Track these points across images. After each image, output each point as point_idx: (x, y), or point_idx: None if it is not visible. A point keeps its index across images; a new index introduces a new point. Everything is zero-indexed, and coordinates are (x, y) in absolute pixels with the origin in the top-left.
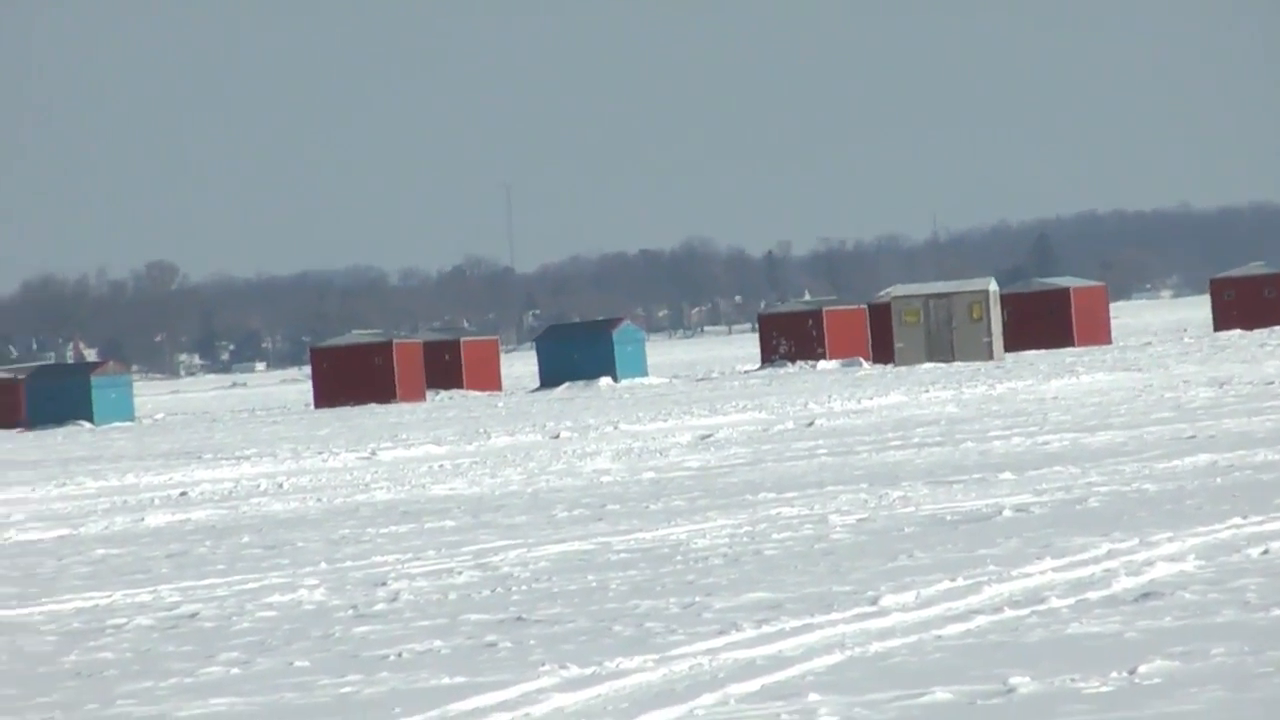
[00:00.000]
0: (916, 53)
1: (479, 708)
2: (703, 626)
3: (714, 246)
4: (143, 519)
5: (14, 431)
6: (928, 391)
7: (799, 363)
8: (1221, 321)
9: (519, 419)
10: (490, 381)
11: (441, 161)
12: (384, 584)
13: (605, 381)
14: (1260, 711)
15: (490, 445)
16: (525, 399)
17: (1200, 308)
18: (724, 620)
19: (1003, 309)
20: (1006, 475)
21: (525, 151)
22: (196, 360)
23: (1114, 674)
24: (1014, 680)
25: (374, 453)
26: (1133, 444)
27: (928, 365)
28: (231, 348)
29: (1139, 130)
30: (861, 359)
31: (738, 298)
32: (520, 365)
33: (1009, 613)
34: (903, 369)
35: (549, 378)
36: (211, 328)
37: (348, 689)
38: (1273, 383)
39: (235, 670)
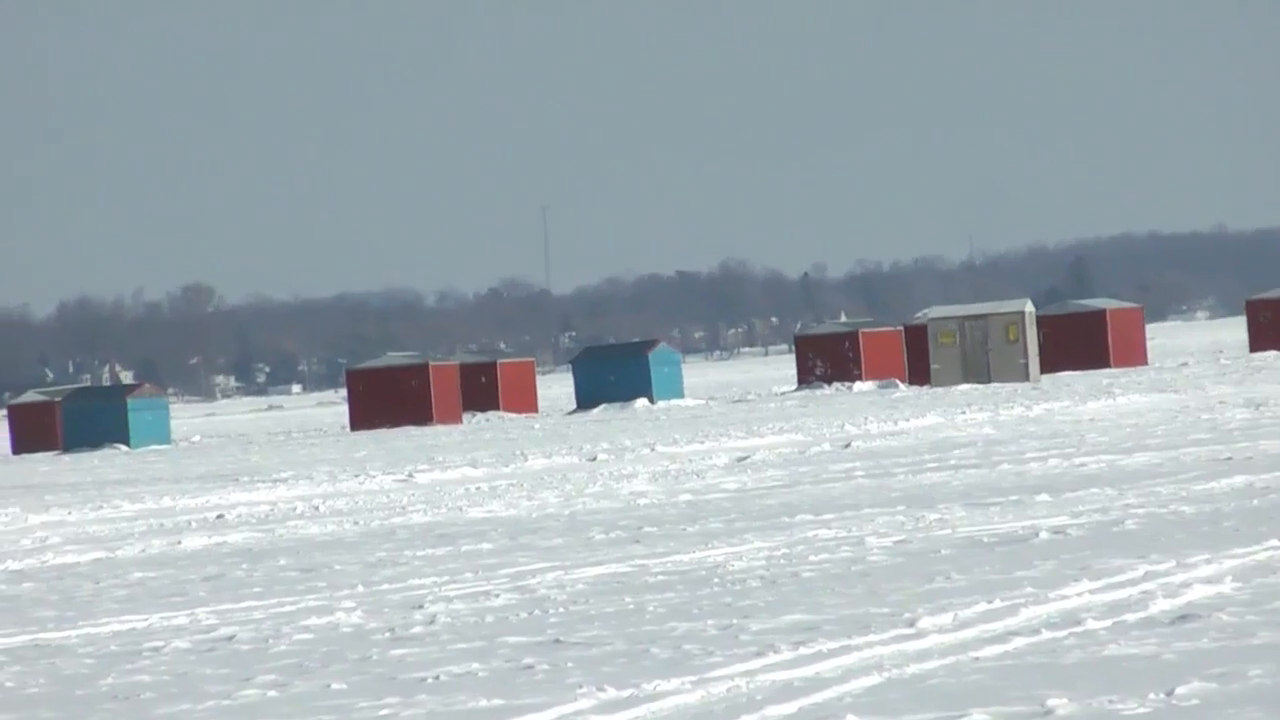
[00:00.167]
0: (953, 75)
1: None
2: (740, 648)
3: (750, 268)
4: (179, 542)
5: (50, 454)
6: (964, 413)
7: (835, 384)
8: (1257, 343)
9: (555, 441)
10: (527, 403)
11: (478, 184)
12: (421, 606)
13: (642, 403)
14: None
15: (527, 467)
16: (562, 421)
17: (1236, 329)
18: (761, 642)
19: (1039, 330)
20: (1043, 497)
21: (562, 173)
22: (232, 383)
23: (1151, 695)
24: (1052, 702)
25: (410, 475)
26: (1169, 465)
27: (964, 387)
28: (268, 370)
29: (1175, 152)
30: (898, 380)
31: (774, 319)
32: (557, 387)
33: (1046, 634)
34: (939, 390)
35: (585, 399)
36: (248, 350)
37: (385, 711)
38: None
39: (272, 693)
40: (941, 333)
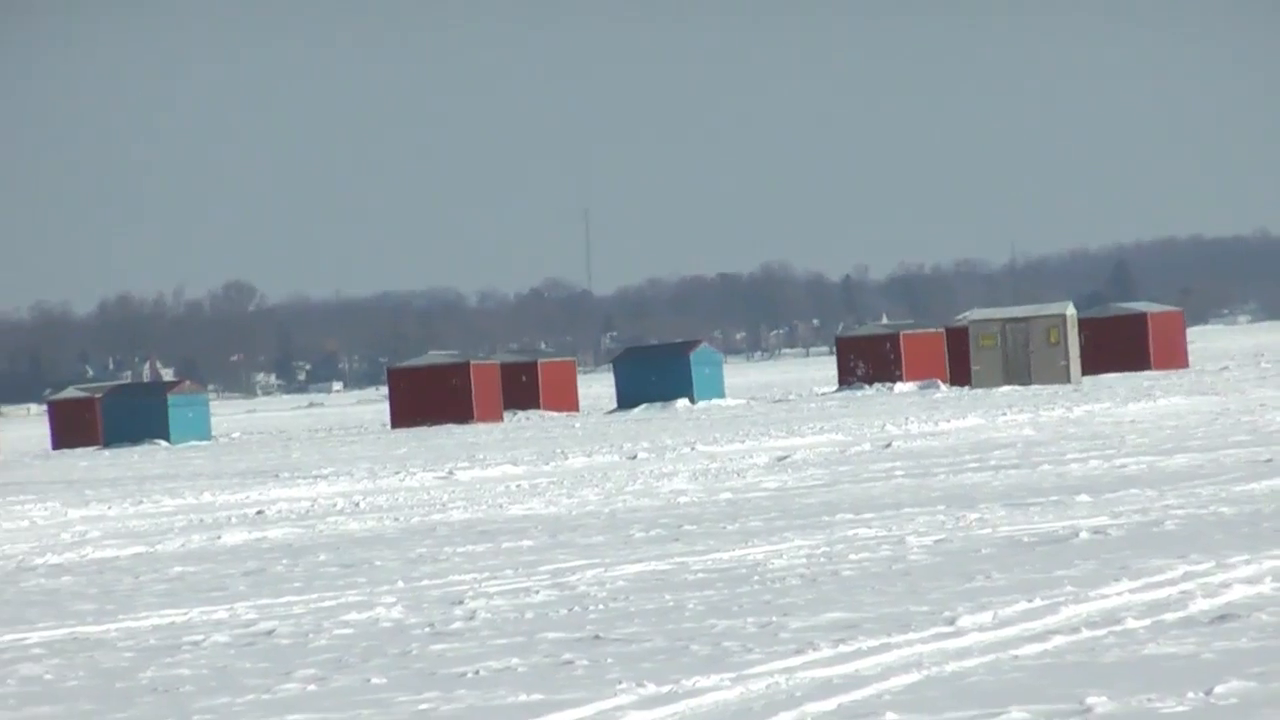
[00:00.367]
0: (996, 79)
1: None
2: (780, 646)
3: (792, 270)
4: (220, 537)
5: (91, 449)
6: (1005, 414)
7: (876, 385)
8: None
9: (596, 440)
10: (568, 402)
11: (521, 185)
12: (461, 602)
13: (682, 403)
14: None
15: (567, 466)
16: (602, 420)
17: (1278, 333)
18: (801, 640)
19: (1080, 333)
20: (1083, 498)
21: (604, 175)
22: (273, 380)
23: (1190, 694)
24: (1091, 700)
25: (451, 473)
26: (1209, 467)
27: (1005, 388)
28: (308, 368)
29: (1218, 157)
30: (939, 381)
31: (815, 321)
32: (598, 386)
33: (1086, 633)
34: (980, 392)
35: (626, 399)
36: (289, 348)
37: (425, 706)
38: None
39: (312, 687)
40: (983, 335)
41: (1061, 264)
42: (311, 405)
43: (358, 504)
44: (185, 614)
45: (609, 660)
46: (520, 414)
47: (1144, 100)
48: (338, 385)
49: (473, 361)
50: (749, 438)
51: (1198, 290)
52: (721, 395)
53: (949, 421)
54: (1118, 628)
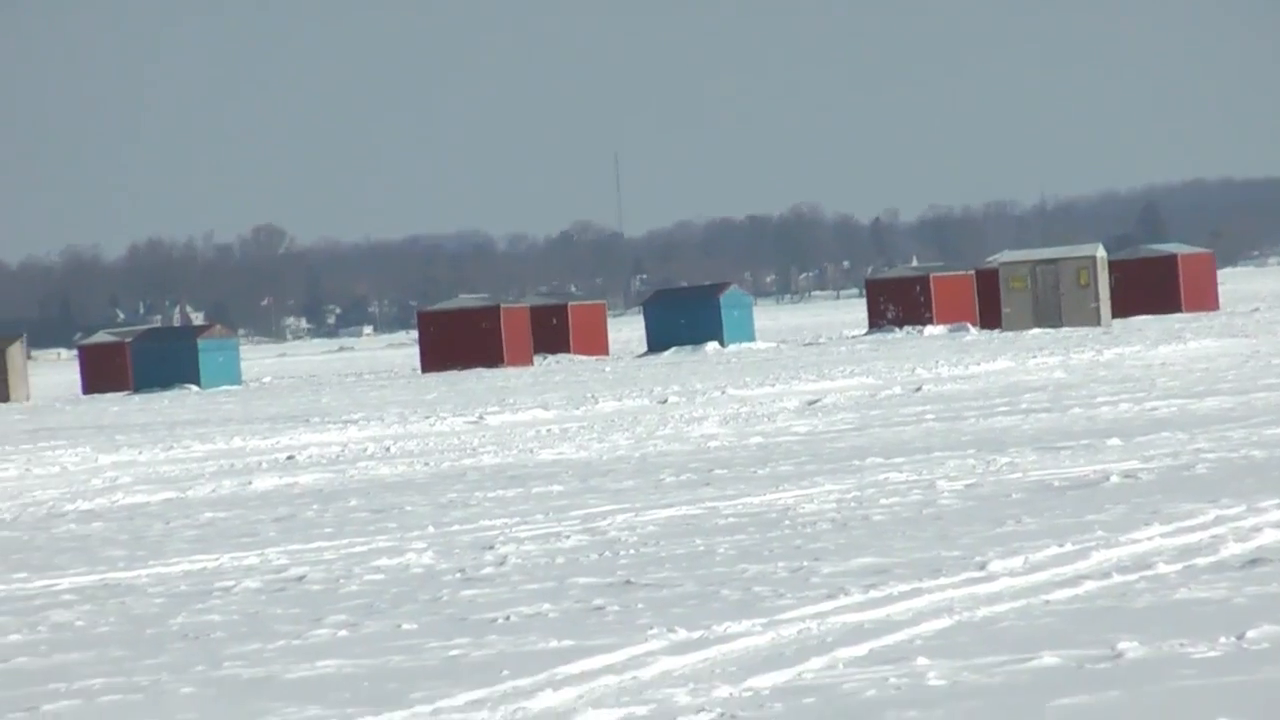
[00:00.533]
0: (1023, 19)
1: (587, 671)
2: (811, 591)
3: (821, 212)
4: (250, 482)
5: (121, 394)
6: (1035, 357)
7: (906, 328)
8: None
9: (626, 384)
10: (598, 346)
11: (550, 127)
12: (492, 548)
13: (712, 346)
14: None
15: (597, 410)
16: (632, 364)
17: None
18: (832, 585)
19: (1110, 275)
20: (1114, 441)
21: (634, 117)
22: (303, 324)
23: (1222, 639)
24: (1122, 645)
25: (481, 417)
26: (1241, 410)
27: (1035, 331)
28: (338, 312)
29: (1248, 98)
30: (969, 324)
31: (845, 263)
32: (627, 330)
33: (1117, 578)
34: (1010, 335)
35: (656, 342)
36: (318, 292)
37: (456, 652)
38: None
39: (343, 633)
40: (1013, 277)
41: (1091, 206)
42: (341, 349)
43: (388, 449)
44: (216, 560)
45: (640, 605)
46: (550, 358)
47: (1174, 40)
48: (368, 329)
49: (503, 305)
50: (779, 381)
51: (1228, 232)
52: (751, 338)
53: (979, 365)
54: (1149, 572)
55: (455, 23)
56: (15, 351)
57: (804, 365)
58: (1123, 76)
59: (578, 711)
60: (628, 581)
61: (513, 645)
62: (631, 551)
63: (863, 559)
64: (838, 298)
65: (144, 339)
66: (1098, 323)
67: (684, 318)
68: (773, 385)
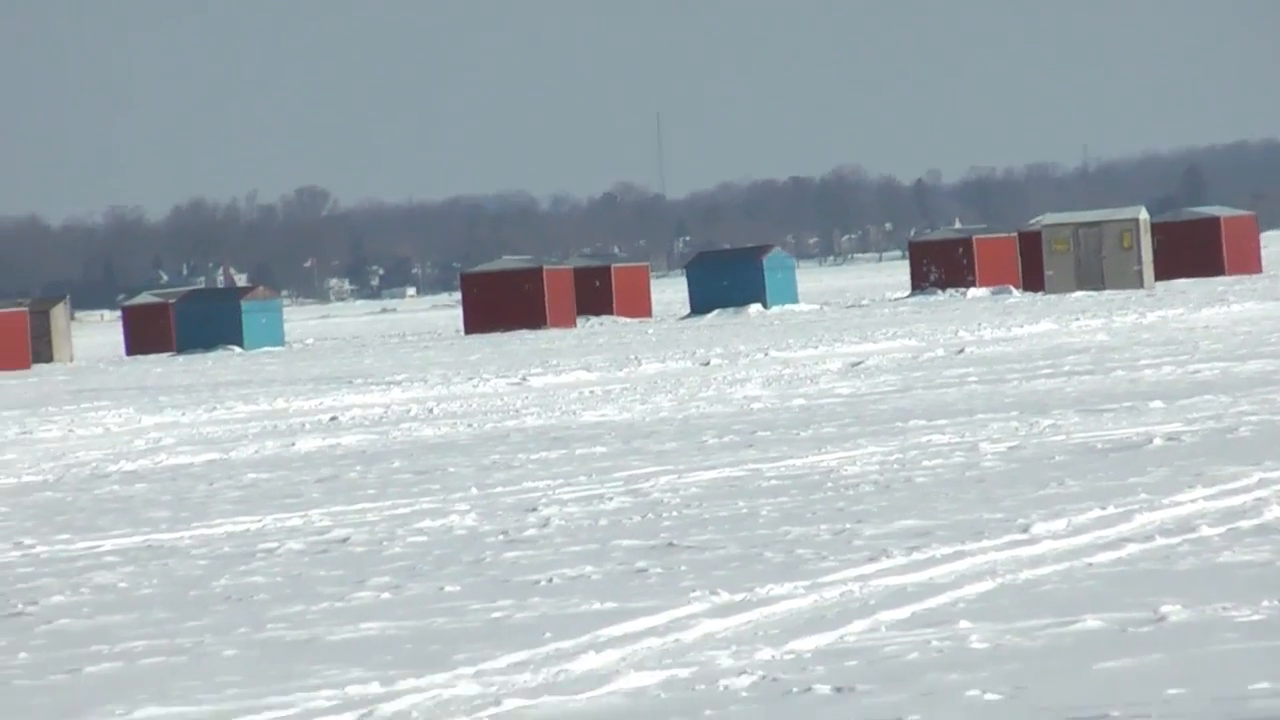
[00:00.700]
0: None
1: (629, 633)
2: (853, 553)
3: (864, 174)
4: (293, 444)
5: (164, 355)
6: (1078, 319)
7: (949, 290)
8: None
9: (669, 345)
10: (641, 308)
11: (593, 88)
12: (535, 509)
13: (755, 308)
14: None
15: (641, 372)
16: (675, 325)
17: None
18: (874, 547)
19: (1153, 237)
20: (1157, 404)
21: (676, 78)
22: (346, 285)
23: (1265, 602)
24: (1165, 608)
25: (524, 379)
26: None
27: (1078, 293)
28: (381, 273)
29: None
30: (1011, 287)
31: (888, 225)
32: (670, 292)
33: (1160, 541)
34: (1053, 297)
35: (699, 304)
36: (362, 253)
37: (498, 614)
38: None
39: (386, 595)
40: (1056, 240)
41: (1133, 168)
42: (384, 311)
43: (431, 410)
44: (259, 521)
45: (682, 568)
46: (593, 319)
47: (1218, 1)
48: (411, 290)
49: (546, 266)
50: (822, 343)
51: (1270, 194)
52: (794, 300)
53: (1022, 327)
54: (1192, 535)
55: None
56: (59, 313)
57: (847, 327)
58: (1166, 38)
59: (620, 674)
60: (670, 544)
61: (555, 607)
62: (674, 514)
63: (905, 521)
64: (880, 260)
65: (187, 300)
66: (1140, 285)
67: (727, 279)
68: (815, 347)
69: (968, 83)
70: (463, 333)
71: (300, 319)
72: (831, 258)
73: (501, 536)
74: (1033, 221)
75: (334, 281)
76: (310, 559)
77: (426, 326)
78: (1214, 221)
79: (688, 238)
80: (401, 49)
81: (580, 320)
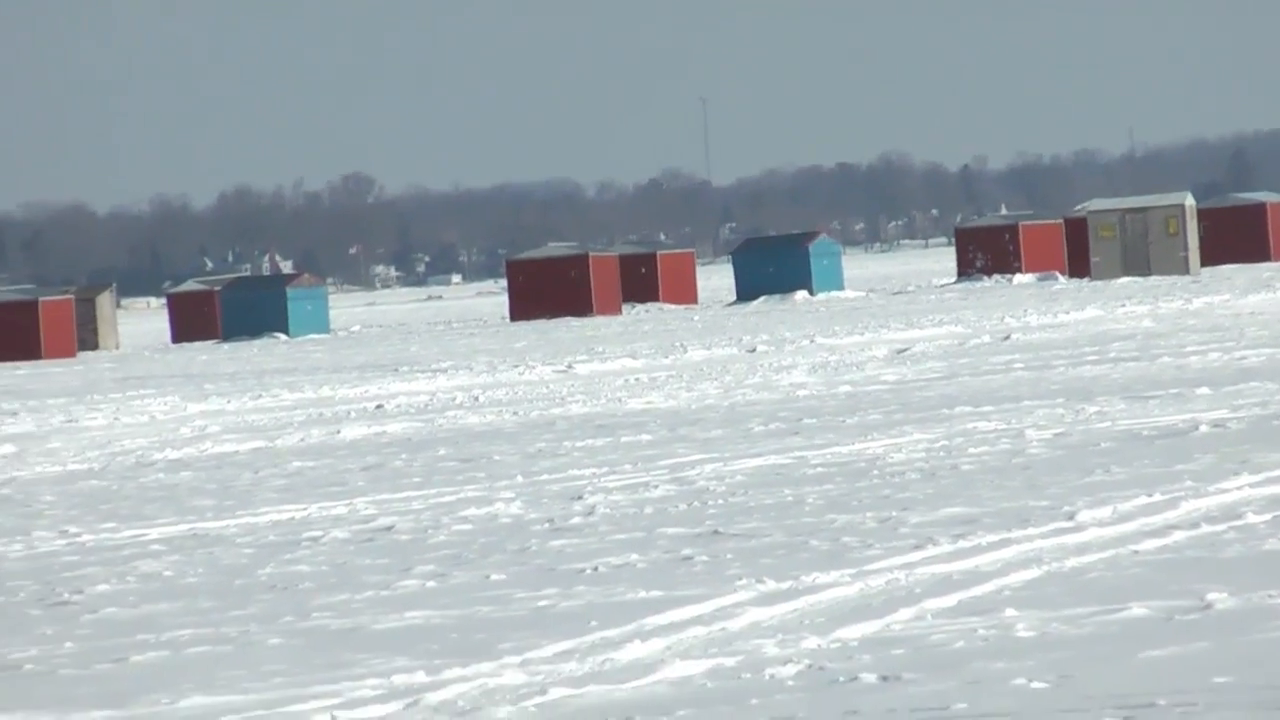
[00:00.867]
0: None
1: (675, 621)
2: (899, 541)
3: (910, 160)
4: (338, 431)
5: (210, 343)
6: (1124, 306)
7: (995, 277)
8: None
9: (715, 332)
10: (686, 295)
11: (638, 74)
12: (580, 498)
13: (801, 295)
14: None
15: (686, 359)
16: (721, 312)
17: None
18: (920, 535)
19: (1199, 223)
20: (1203, 390)
21: (722, 64)
22: (392, 273)
23: None
24: (1211, 596)
25: (570, 366)
26: None
27: (1124, 280)
28: (427, 260)
29: None
30: (1057, 273)
31: (934, 211)
32: (716, 278)
33: (1206, 528)
34: (1099, 283)
35: (745, 291)
36: (407, 240)
37: (544, 602)
38: None
39: (431, 583)
40: (1101, 226)
41: (1179, 154)
42: (430, 298)
43: (476, 398)
44: (304, 509)
45: (728, 556)
46: (639, 306)
47: None
48: (456, 277)
49: (591, 253)
50: (868, 330)
51: None
52: (840, 287)
53: (1068, 313)
54: (1238, 522)
55: None
56: (105, 300)
57: (893, 314)
58: (1212, 23)
59: (666, 662)
60: (716, 532)
61: (601, 596)
62: (720, 501)
63: (951, 509)
64: (926, 246)
65: (233, 288)
66: (1186, 271)
67: (773, 266)
68: (861, 334)
69: (1014, 69)
70: (508, 320)
71: (346, 306)
72: (878, 244)
73: (547, 524)
74: (1079, 208)
75: (379, 268)
76: (355, 547)
77: (472, 313)
78: (1260, 207)
79: (733, 224)
80: (449, 35)
81: (626, 307)
